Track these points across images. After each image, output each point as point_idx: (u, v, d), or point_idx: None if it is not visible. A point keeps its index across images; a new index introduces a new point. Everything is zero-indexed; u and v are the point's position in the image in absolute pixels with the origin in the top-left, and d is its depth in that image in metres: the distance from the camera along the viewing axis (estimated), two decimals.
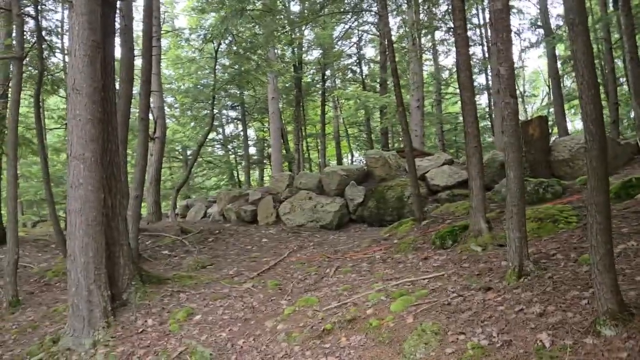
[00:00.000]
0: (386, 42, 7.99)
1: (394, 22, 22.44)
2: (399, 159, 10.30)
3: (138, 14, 13.33)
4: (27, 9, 9.77)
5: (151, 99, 11.86)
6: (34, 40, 9.46)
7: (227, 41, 12.73)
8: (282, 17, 12.18)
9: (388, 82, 19.23)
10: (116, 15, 7.52)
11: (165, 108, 21.28)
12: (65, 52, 13.96)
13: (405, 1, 16.12)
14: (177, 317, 5.29)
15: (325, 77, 21.95)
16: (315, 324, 4.39)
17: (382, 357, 3.62)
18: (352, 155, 27.64)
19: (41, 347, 5.06)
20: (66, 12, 11.84)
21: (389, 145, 20.55)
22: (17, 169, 7.61)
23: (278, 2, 12.93)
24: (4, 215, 13.20)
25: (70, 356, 4.81)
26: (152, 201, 12.45)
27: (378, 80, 21.68)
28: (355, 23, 20.41)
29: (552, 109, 20.05)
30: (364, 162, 11.06)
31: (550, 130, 17.79)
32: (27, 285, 7.61)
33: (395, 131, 22.57)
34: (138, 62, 9.15)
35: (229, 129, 25.05)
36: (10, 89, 10.69)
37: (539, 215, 5.34)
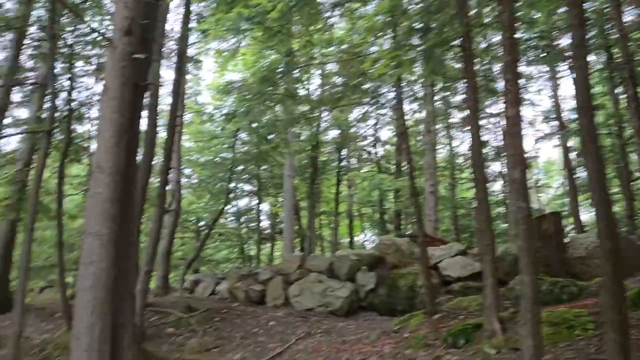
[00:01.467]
0: (401, 134, 8.22)
1: (409, 107, 23.13)
2: (411, 245, 10.23)
3: (163, 89, 13.92)
4: (61, 82, 10.32)
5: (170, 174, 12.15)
6: (59, 109, 9.85)
7: (247, 122, 13.19)
8: (302, 101, 12.65)
9: (403, 165, 19.54)
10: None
11: (183, 179, 21.74)
12: (92, 123, 14.56)
13: (422, 90, 16.72)
14: None
15: (341, 156, 22.38)
16: None
17: None
18: (365, 235, 27.54)
19: None
20: (97, 87, 12.50)
21: (402, 227, 20.50)
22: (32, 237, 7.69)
23: (298, 86, 13.49)
24: (12, 283, 13.20)
25: None
26: (161, 275, 12.38)
27: (393, 162, 22.03)
28: (373, 107, 21.06)
29: (567, 199, 20.06)
30: (377, 246, 10.99)
31: (564, 224, 17.62)
32: (27, 357, 7.45)
33: (408, 213, 22.60)
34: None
35: (243, 202, 25.29)
36: (34, 159, 11.10)
37: (555, 320, 5.20)
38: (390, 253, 10.06)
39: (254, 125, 13.09)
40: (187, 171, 22.05)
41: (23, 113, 13.62)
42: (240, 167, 19.34)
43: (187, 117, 20.58)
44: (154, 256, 8.74)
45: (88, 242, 5.35)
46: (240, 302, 10.66)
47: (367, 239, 28.10)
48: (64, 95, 9.94)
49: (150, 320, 9.29)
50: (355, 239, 26.06)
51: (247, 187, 23.80)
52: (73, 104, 10.24)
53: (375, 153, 23.95)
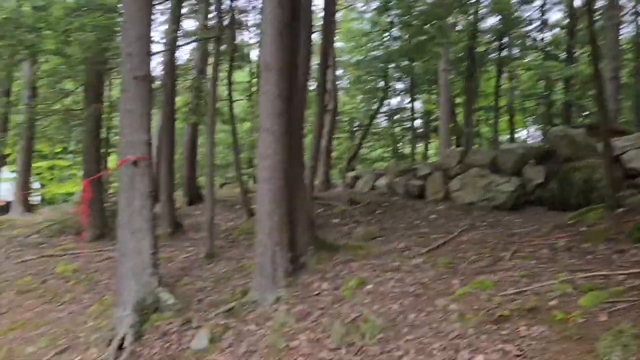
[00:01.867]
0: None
1: None
2: (587, 137, 9.26)
3: None
4: None
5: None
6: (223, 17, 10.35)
7: (399, 12, 12.58)
8: None
9: (575, 51, 17.29)
10: None
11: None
12: (251, 30, 15.18)
13: None
14: (349, 284, 5.52)
15: (502, 45, 20.47)
16: (490, 308, 4.24)
17: (569, 352, 3.36)
18: (527, 130, 25.62)
19: (233, 296, 5.74)
20: None
21: (571, 121, 18.59)
22: (214, 138, 8.57)
23: None
24: (200, 178, 15.04)
25: (256, 308, 5.36)
26: (323, 171, 13.09)
27: (563, 48, 19.58)
28: None
29: None
30: (542, 140, 10.16)
31: None
32: (218, 240, 8.64)
33: (580, 105, 20.30)
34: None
35: (396, 100, 24.94)
36: (205, 67, 12.03)
37: None
38: (563, 145, 9.24)
39: (407, 17, 12.44)
40: (338, 72, 22.22)
41: (191, 25, 14.70)
42: (393, 65, 18.88)
43: (337, 15, 20.39)
44: (317, 153, 9.20)
45: (262, 137, 5.78)
46: (400, 197, 10.91)
47: (530, 134, 26.16)
48: (226, 3, 10.42)
49: (318, 211, 10.02)
50: (517, 135, 24.41)
51: (400, 86, 23.32)
52: (234, 12, 10.70)
53: (542, 39, 21.43)
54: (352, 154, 12.99)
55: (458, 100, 21.97)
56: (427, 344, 3.95)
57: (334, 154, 23.04)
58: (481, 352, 3.60)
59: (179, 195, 13.34)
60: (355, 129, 25.50)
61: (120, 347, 5.01)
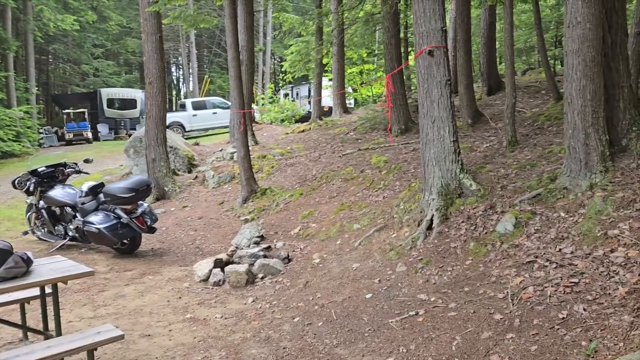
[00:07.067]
0: None
1: None
2: None
3: None
4: None
5: None
6: None
7: None
8: None
9: None
10: None
11: None
12: None
13: None
14: None
15: None
16: None
17: None
18: None
19: (539, 183, 5.45)
20: None
21: None
22: (513, 19, 7.83)
23: None
24: (499, 67, 14.24)
25: (567, 195, 4.98)
26: None
27: None
28: None
29: None
30: None
31: None
32: (521, 128, 8.18)
33: None
34: None
35: None
36: None
37: None
38: None
39: None
40: None
41: None
42: None
43: None
44: None
45: (571, 3, 5.02)
46: None
47: None
48: None
49: None
50: None
51: None
52: None
53: None
54: None
55: None
56: None
57: None
58: None
59: (478, 86, 12.98)
60: None
61: (429, 228, 5.43)
